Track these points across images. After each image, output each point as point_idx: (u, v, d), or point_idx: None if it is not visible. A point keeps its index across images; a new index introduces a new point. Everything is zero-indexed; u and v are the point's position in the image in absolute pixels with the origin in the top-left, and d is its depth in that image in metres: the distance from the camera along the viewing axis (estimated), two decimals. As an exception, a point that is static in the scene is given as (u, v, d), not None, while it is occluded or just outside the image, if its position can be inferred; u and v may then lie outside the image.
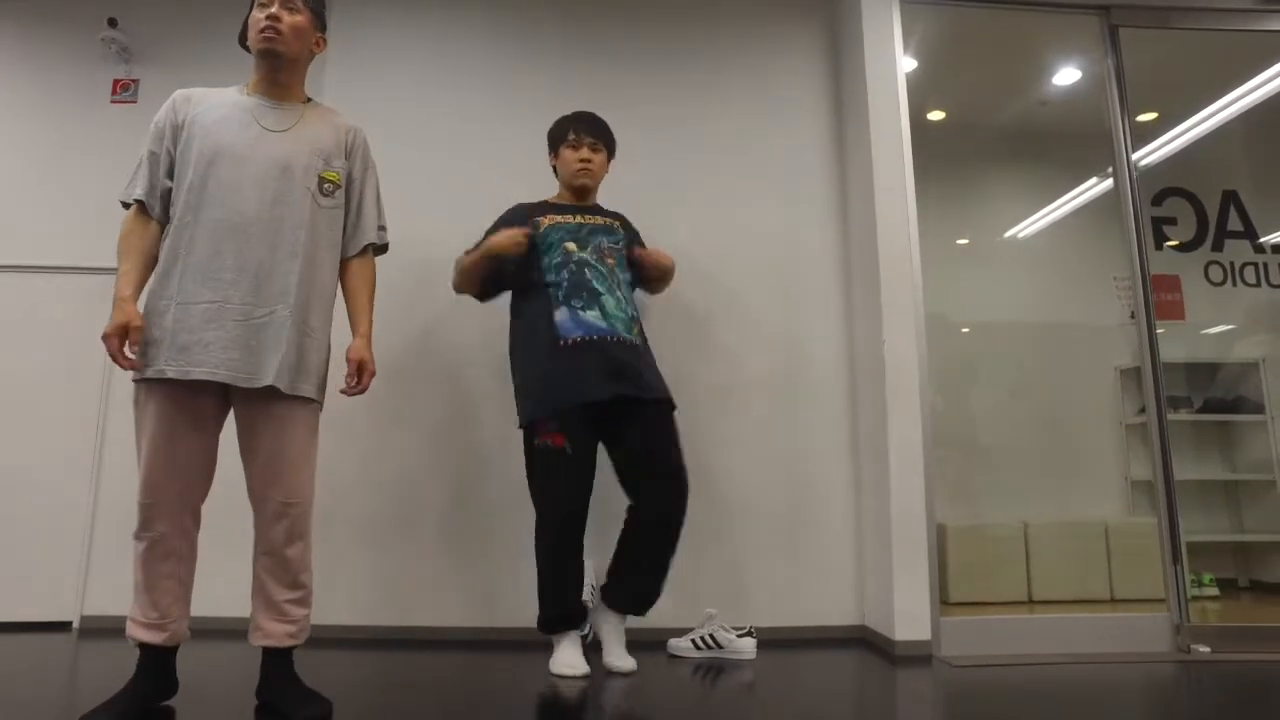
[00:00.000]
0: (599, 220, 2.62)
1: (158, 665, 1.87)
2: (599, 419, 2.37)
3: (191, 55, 3.31)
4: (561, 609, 2.39)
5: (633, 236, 2.73)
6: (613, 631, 2.44)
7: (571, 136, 2.65)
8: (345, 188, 2.07)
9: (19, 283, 3.14)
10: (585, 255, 2.49)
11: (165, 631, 1.85)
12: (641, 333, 2.53)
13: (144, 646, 1.85)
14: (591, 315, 2.39)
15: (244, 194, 1.89)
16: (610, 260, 2.53)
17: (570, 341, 2.36)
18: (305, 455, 1.95)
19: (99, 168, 3.22)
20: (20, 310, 3.13)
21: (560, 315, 2.40)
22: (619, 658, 2.39)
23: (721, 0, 3.42)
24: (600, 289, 2.44)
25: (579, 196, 2.68)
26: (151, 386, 1.84)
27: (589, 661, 2.37)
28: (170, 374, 1.81)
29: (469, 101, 3.27)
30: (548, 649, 2.45)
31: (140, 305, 1.88)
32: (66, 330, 3.11)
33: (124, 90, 3.30)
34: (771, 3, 3.43)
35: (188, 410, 1.85)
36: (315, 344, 1.97)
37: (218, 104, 1.98)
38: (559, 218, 2.58)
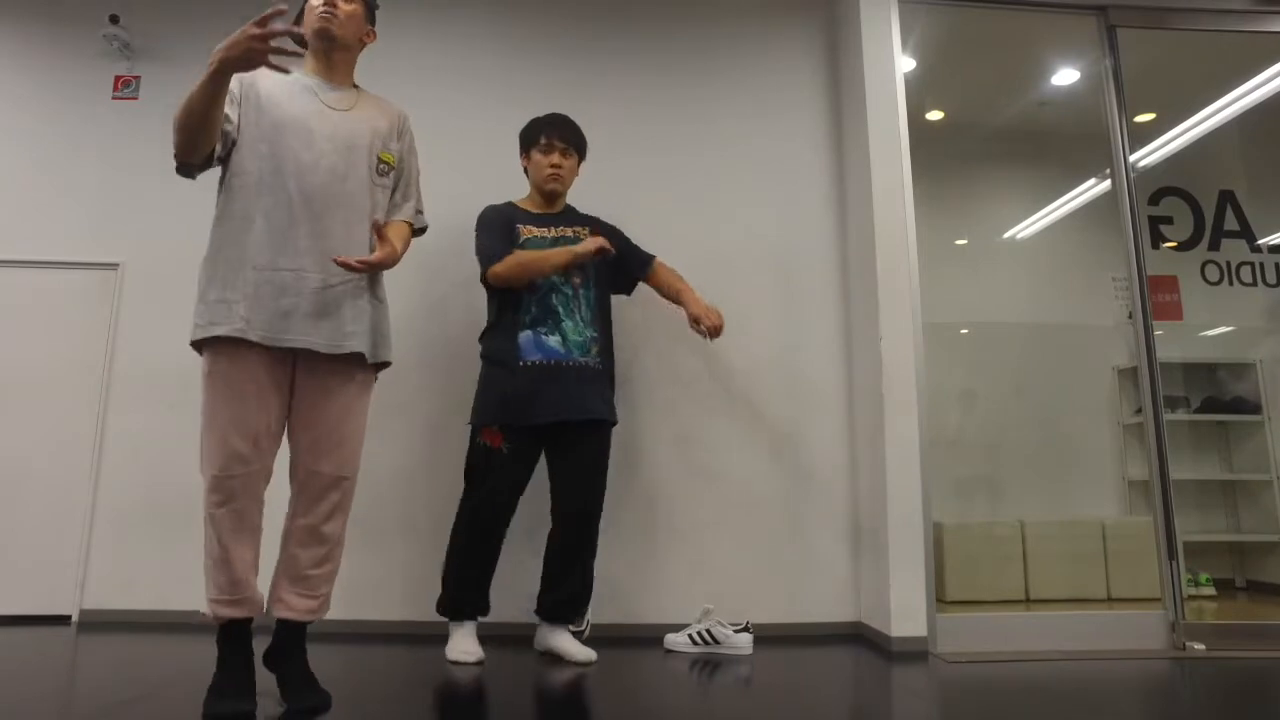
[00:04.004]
0: (569, 233, 2.66)
1: (245, 636, 1.85)
2: (544, 432, 2.53)
3: (194, 52, 3.31)
4: (462, 595, 2.50)
5: (608, 239, 2.71)
6: (559, 638, 2.51)
7: (543, 140, 2.68)
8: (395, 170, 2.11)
9: (20, 277, 3.15)
10: (555, 278, 2.57)
11: (249, 604, 1.84)
12: (601, 349, 2.62)
13: (230, 624, 1.83)
14: (553, 341, 2.53)
15: (317, 166, 1.91)
16: (576, 279, 2.60)
17: (528, 363, 2.51)
18: (361, 428, 1.99)
19: (100, 164, 3.24)
20: (21, 304, 3.14)
21: (524, 336, 2.53)
22: (578, 651, 2.47)
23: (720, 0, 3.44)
24: (562, 314, 2.55)
25: (549, 200, 2.71)
26: (228, 351, 1.82)
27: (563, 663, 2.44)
28: (252, 337, 1.80)
29: (466, 98, 3.29)
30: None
31: (210, 270, 1.86)
32: (67, 325, 3.13)
33: (125, 87, 3.31)
34: (769, 2, 3.44)
35: (265, 377, 1.85)
36: (384, 313, 2.04)
37: (276, 79, 1.98)
38: (536, 231, 2.63)
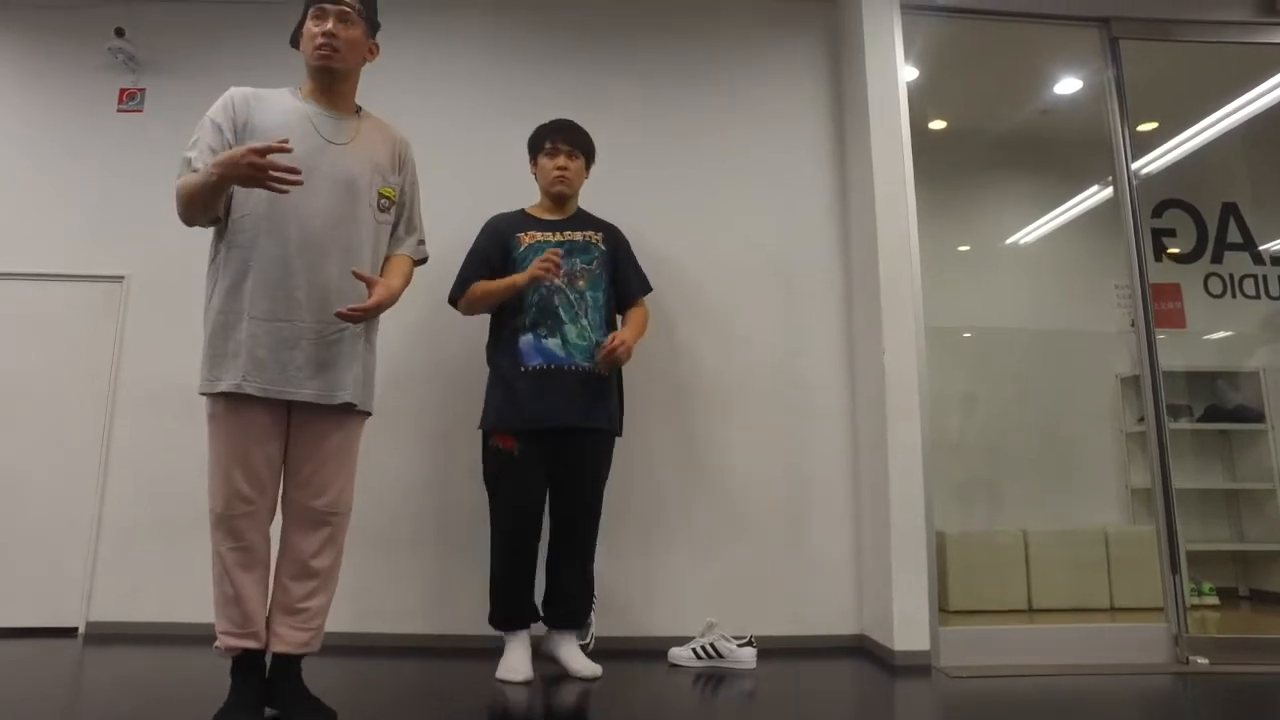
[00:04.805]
0: (577, 237, 2.66)
1: (258, 667, 1.92)
2: (548, 437, 2.51)
3: (198, 65, 3.33)
4: (507, 608, 2.51)
5: (615, 248, 2.74)
6: (564, 646, 2.52)
7: (548, 145, 2.70)
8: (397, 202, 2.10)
9: (26, 290, 3.16)
10: (557, 281, 2.56)
11: (259, 636, 1.90)
12: None
13: (243, 654, 1.89)
14: (553, 344, 2.52)
15: (314, 210, 1.90)
16: (581, 283, 2.60)
17: (529, 368, 2.51)
18: (351, 466, 2.02)
19: (105, 176, 3.25)
20: (27, 317, 3.15)
21: (525, 340, 2.53)
22: (582, 666, 2.47)
23: (723, 9, 3.44)
24: (565, 317, 2.55)
25: (558, 204, 2.72)
26: (230, 402, 1.86)
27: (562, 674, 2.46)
28: (250, 390, 1.83)
29: (468, 108, 3.29)
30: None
31: (208, 320, 1.90)
32: (73, 337, 3.14)
33: (130, 99, 3.32)
34: (773, 11, 3.45)
35: (265, 423, 1.88)
36: (373, 359, 2.05)
37: (276, 109, 1.96)
38: (539, 235, 2.64)
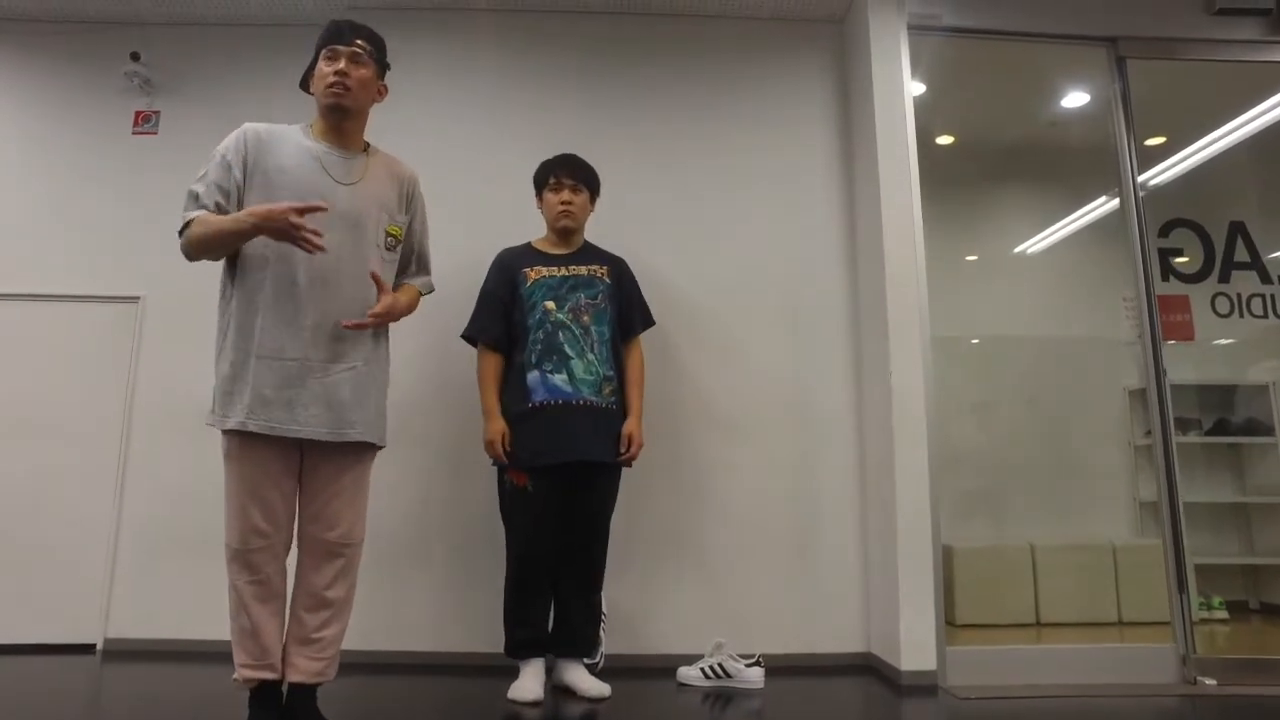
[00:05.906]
0: (583, 271, 2.68)
1: (275, 697, 1.95)
2: (560, 471, 2.53)
3: (212, 88, 3.38)
4: (523, 637, 2.54)
5: (620, 280, 2.75)
6: (573, 672, 2.55)
7: (552, 180, 2.73)
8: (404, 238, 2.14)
9: (43, 311, 3.22)
10: (562, 316, 2.59)
11: (276, 669, 1.94)
12: (614, 391, 2.62)
13: (261, 685, 1.93)
14: (559, 379, 2.54)
15: (325, 249, 1.91)
16: (586, 318, 2.62)
17: (536, 404, 2.53)
18: (364, 499, 2.05)
19: (120, 198, 3.30)
20: (44, 337, 3.20)
21: (532, 376, 2.55)
22: (591, 686, 2.50)
23: (730, 27, 3.45)
24: (571, 353, 2.57)
25: (563, 238, 2.74)
26: (243, 440, 1.89)
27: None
28: (255, 428, 1.86)
29: (476, 130, 3.31)
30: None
31: (220, 358, 1.94)
32: (90, 357, 3.19)
33: (145, 122, 3.38)
34: (780, 29, 3.46)
35: (278, 460, 1.92)
36: (384, 392, 2.08)
37: (286, 149, 2.00)
38: (544, 270, 2.66)
